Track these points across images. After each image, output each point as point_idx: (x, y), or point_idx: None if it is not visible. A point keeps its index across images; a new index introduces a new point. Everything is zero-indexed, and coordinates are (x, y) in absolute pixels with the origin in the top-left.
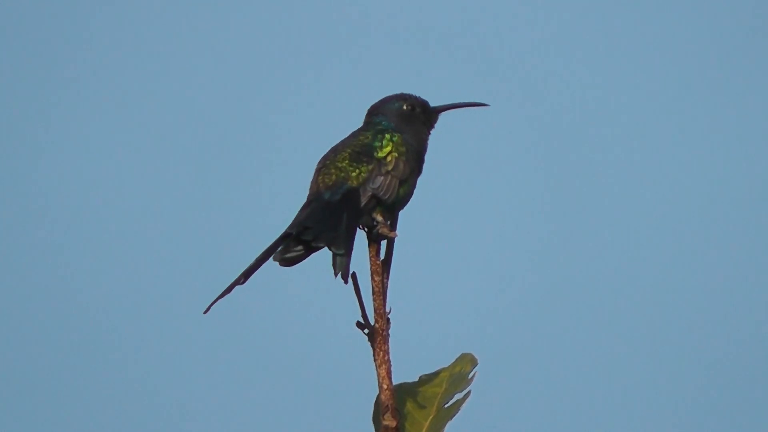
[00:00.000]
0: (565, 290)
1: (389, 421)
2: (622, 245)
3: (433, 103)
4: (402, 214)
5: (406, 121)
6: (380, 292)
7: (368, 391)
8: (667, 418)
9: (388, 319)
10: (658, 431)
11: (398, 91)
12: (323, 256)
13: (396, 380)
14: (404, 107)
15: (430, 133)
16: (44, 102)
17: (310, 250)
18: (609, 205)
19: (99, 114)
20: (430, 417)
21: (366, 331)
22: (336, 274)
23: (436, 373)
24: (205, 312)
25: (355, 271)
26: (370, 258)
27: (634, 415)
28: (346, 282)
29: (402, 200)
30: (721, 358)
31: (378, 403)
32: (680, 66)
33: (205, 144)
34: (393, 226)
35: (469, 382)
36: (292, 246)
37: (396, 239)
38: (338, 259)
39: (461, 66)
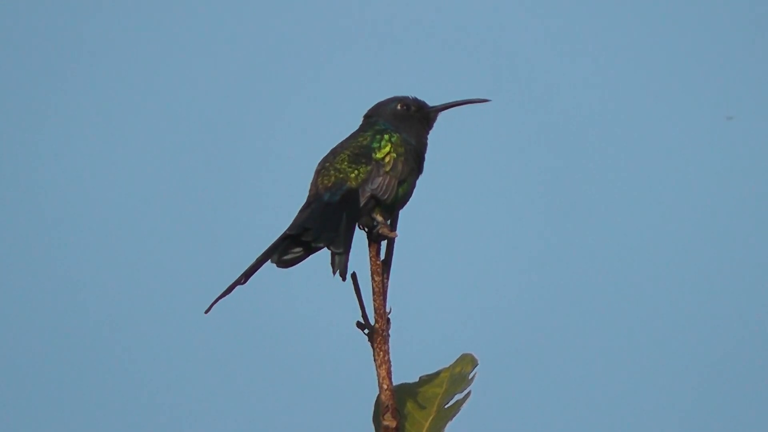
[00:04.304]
0: (565, 290)
1: (389, 422)
2: (623, 245)
3: (432, 103)
4: (402, 214)
5: (403, 121)
6: (380, 292)
7: (368, 391)
8: (667, 418)
9: (388, 319)
10: (658, 431)
11: (396, 94)
12: (323, 256)
13: (396, 380)
14: (398, 107)
15: (428, 133)
16: (44, 102)
17: (309, 251)
18: (610, 206)
19: (99, 114)
20: (431, 417)
21: (366, 331)
22: (334, 273)
23: (437, 374)
24: (206, 312)
25: (355, 271)
26: (371, 258)
27: (634, 415)
28: (344, 279)
29: (401, 200)
30: (721, 358)
31: (378, 403)
32: (682, 65)
33: (205, 145)
34: (393, 226)
35: (469, 382)
36: (290, 247)
37: (396, 239)
38: (337, 257)
39: (462, 66)
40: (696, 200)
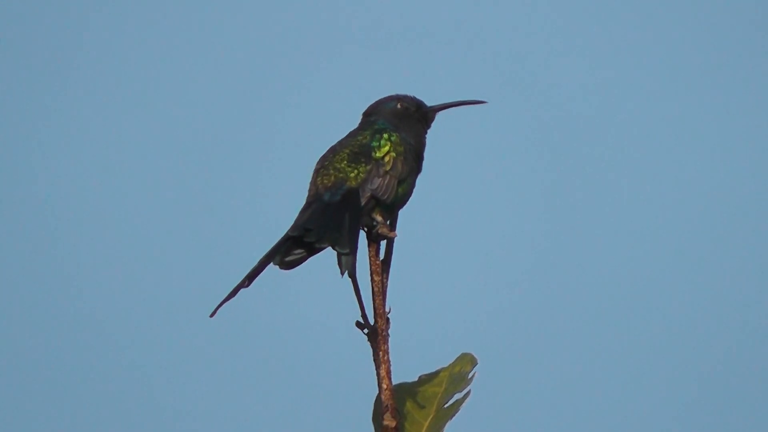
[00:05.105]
0: (565, 290)
1: (389, 421)
2: (623, 245)
3: (430, 103)
4: (402, 214)
5: (402, 120)
6: (380, 292)
7: (368, 391)
8: (666, 417)
9: (387, 319)
10: (658, 431)
11: (394, 93)
12: (323, 256)
13: (396, 380)
14: (398, 106)
15: (426, 132)
16: (44, 102)
17: (312, 252)
18: (610, 205)
19: (99, 114)
20: (430, 417)
21: (366, 331)
22: (343, 274)
23: (436, 373)
24: (212, 315)
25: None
26: (370, 258)
27: (634, 415)
28: (353, 280)
29: (401, 200)
30: (722, 359)
31: (378, 402)
32: (682, 64)
33: (204, 146)
34: (392, 226)
35: (468, 382)
36: (293, 249)
37: (395, 239)
38: (344, 258)
39: (461, 66)
40: (696, 200)
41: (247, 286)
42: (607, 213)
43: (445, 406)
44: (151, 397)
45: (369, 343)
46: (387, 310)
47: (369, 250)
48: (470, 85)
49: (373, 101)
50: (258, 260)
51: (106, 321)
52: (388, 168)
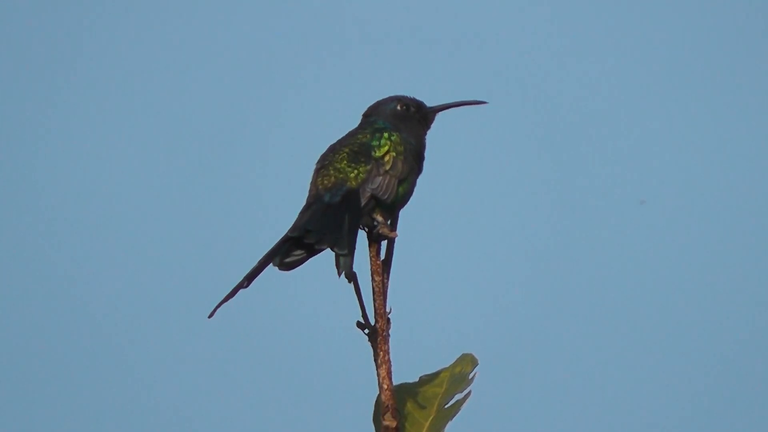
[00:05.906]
0: (565, 290)
1: (389, 422)
2: (624, 245)
3: (430, 103)
4: (402, 214)
5: (402, 121)
6: (380, 292)
7: (368, 391)
8: (666, 418)
9: (388, 319)
10: (658, 431)
11: (394, 93)
12: (323, 257)
13: (396, 380)
14: (398, 107)
15: (426, 133)
16: (44, 102)
17: (311, 253)
18: (610, 205)
19: (99, 114)
20: (431, 417)
21: (366, 331)
22: (340, 274)
23: (437, 374)
24: (210, 316)
25: (356, 271)
26: (371, 258)
27: (634, 415)
28: (350, 281)
29: (401, 199)
30: (722, 359)
31: (378, 403)
32: (683, 63)
33: (204, 145)
34: (393, 226)
35: (469, 382)
36: (292, 250)
37: (396, 239)
38: (342, 258)
39: (461, 65)
40: (697, 200)
41: (246, 286)
42: (608, 213)
43: (446, 406)
44: (149, 398)
45: (369, 343)
46: (388, 310)
47: (369, 251)
48: (470, 85)
49: (373, 102)
50: (257, 261)
51: (104, 320)
52: (388, 167)
